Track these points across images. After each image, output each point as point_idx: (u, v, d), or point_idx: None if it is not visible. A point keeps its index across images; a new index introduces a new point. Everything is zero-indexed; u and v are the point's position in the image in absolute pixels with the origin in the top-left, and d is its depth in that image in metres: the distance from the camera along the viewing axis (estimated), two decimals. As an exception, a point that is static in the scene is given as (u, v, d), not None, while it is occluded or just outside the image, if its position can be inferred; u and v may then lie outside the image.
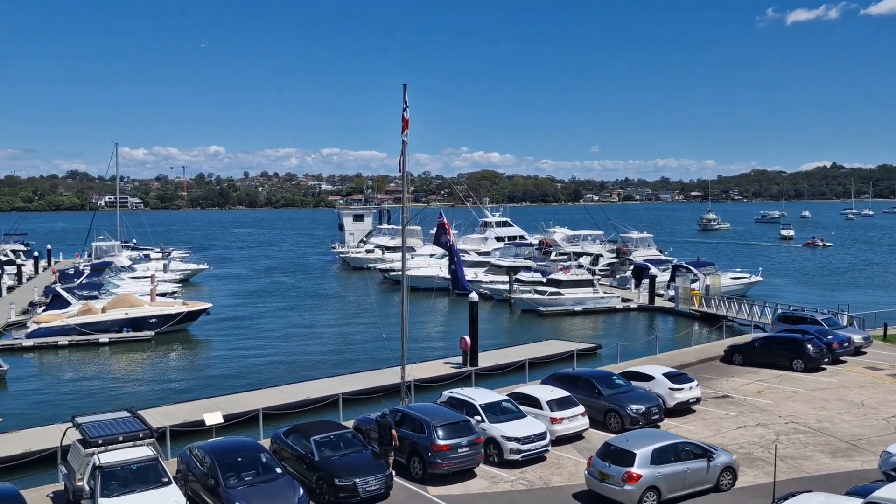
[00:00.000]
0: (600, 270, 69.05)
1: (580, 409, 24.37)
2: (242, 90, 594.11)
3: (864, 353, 36.63)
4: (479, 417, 22.80)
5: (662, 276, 60.02)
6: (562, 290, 55.19)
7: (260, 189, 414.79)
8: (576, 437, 24.14)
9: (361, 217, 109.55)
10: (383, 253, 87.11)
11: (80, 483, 17.82)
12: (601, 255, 73.24)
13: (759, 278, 62.66)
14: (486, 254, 75.70)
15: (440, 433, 20.91)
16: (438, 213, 27.53)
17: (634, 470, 18.45)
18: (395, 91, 24.73)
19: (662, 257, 71.23)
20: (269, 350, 43.46)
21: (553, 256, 74.80)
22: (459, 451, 20.83)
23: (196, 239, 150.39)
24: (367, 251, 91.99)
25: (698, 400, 27.57)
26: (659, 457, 18.94)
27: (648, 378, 27.58)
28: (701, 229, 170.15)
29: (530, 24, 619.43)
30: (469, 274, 62.47)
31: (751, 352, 34.95)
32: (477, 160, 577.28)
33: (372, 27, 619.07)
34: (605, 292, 57.90)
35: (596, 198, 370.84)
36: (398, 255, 75.67)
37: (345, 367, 37.12)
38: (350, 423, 24.04)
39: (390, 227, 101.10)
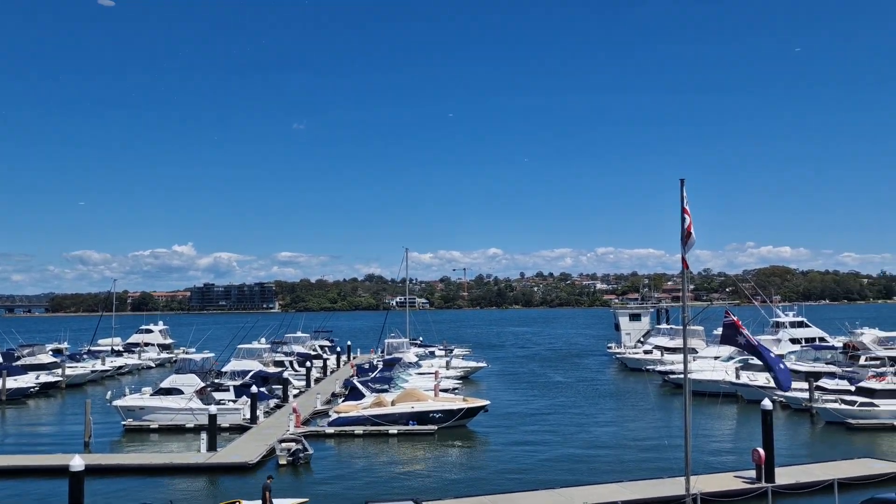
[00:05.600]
0: None
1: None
2: (519, 196, 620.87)
3: None
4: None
5: None
6: (875, 401, 47.99)
7: (535, 289, 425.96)
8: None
9: (638, 316, 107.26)
10: (662, 354, 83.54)
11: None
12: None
13: None
14: (780, 357, 69.03)
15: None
16: (724, 312, 25.68)
17: None
18: (673, 186, 24.07)
19: None
20: (544, 450, 42.98)
21: (862, 361, 65.69)
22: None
23: (475, 337, 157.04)
24: (645, 352, 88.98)
25: None
26: None
27: None
28: None
29: (815, 113, 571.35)
30: (761, 380, 57.23)
31: None
32: (765, 255, 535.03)
33: (646, 123, 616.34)
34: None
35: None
36: (679, 357, 72.17)
37: (623, 473, 35.33)
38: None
39: (669, 326, 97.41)
